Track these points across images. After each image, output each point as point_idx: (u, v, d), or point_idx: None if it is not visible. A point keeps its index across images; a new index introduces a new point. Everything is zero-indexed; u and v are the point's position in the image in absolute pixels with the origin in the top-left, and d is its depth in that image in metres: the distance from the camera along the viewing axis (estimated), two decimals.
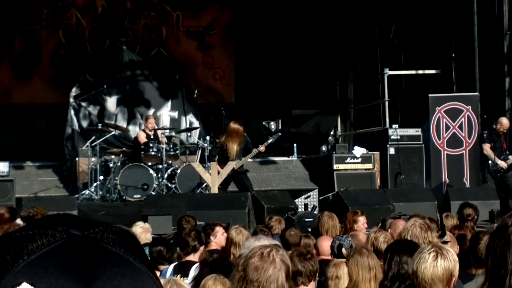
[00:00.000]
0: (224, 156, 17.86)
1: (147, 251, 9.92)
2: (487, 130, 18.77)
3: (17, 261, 1.38)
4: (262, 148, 17.96)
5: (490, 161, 17.93)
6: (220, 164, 17.69)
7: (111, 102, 22.58)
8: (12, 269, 1.38)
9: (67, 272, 1.36)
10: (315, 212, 9.07)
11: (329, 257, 8.67)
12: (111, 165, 19.12)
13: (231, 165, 17.50)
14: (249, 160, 20.70)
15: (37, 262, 1.38)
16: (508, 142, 18.14)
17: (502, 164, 17.79)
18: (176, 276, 8.59)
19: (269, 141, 18.27)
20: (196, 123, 21.04)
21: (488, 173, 18.06)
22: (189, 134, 20.21)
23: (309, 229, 8.92)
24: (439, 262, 5.27)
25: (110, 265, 1.40)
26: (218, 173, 17.38)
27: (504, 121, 18.12)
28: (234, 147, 17.83)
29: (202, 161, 18.88)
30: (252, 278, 4.99)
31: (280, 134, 18.80)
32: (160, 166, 18.80)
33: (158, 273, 9.02)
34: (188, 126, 21.56)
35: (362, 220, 11.11)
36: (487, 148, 18.08)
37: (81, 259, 1.38)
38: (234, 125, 18.47)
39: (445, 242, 7.97)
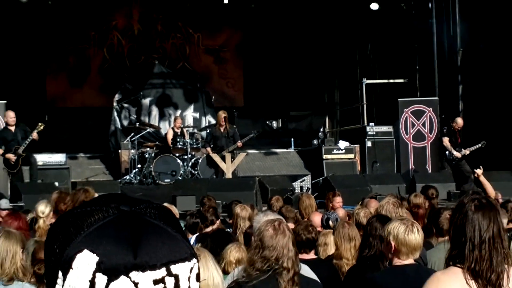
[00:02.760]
0: (218, 142, 17.85)
1: (182, 224, 9.98)
2: (447, 126, 18.75)
3: (79, 232, 1.40)
4: (239, 143, 17.84)
5: (447, 152, 17.93)
6: (214, 149, 17.79)
7: (146, 105, 22.60)
8: (75, 239, 1.39)
9: (118, 240, 1.38)
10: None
11: (320, 229, 8.71)
12: (146, 156, 19.06)
13: (241, 156, 17.54)
14: (254, 151, 20.78)
15: (95, 233, 1.39)
16: (463, 137, 18.08)
17: (457, 154, 17.74)
18: (197, 245, 8.64)
19: (246, 138, 18.05)
20: (213, 122, 21.02)
21: (446, 161, 18.07)
22: (207, 131, 20.17)
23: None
24: (411, 233, 5.14)
25: (152, 234, 1.40)
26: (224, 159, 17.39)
27: (459, 120, 18.08)
28: (222, 133, 17.81)
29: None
30: (269, 244, 5.04)
31: (256, 133, 18.52)
32: (186, 157, 18.73)
33: None
34: (207, 124, 21.58)
35: (337, 200, 11.11)
36: (446, 141, 18.02)
37: (129, 230, 1.39)
38: (220, 112, 18.49)
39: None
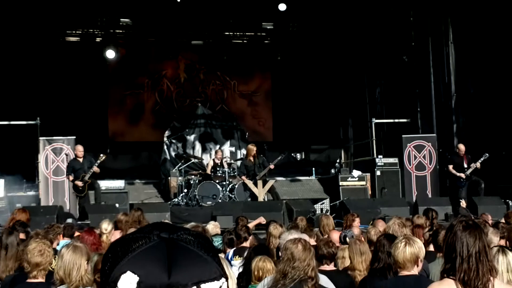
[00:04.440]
0: (250, 171, 17.81)
1: (219, 239, 10.02)
2: (450, 155, 18.66)
3: (125, 256, 1.43)
4: (272, 166, 17.67)
5: (459, 180, 17.72)
6: (248, 177, 17.69)
7: (190, 140, 22.71)
8: (121, 262, 1.43)
9: (156, 263, 1.40)
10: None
11: (338, 244, 8.72)
12: (191, 182, 19.02)
13: (270, 182, 17.54)
14: (281, 178, 20.75)
15: (137, 257, 1.42)
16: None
17: (461, 175, 17.62)
18: (235, 257, 8.67)
19: (276, 161, 17.85)
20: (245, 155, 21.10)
21: (458, 184, 17.66)
22: (241, 162, 20.20)
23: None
24: (407, 248, 5.24)
25: (186, 257, 1.42)
26: (256, 185, 17.37)
27: (461, 146, 17.83)
28: (253, 163, 17.79)
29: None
30: (300, 257, 5.14)
31: (283, 155, 18.39)
32: (224, 183, 18.73)
33: (223, 255, 9.11)
34: (242, 156, 21.64)
35: (357, 220, 11.10)
36: (450, 168, 17.87)
37: (166, 254, 1.41)
38: (250, 146, 18.50)
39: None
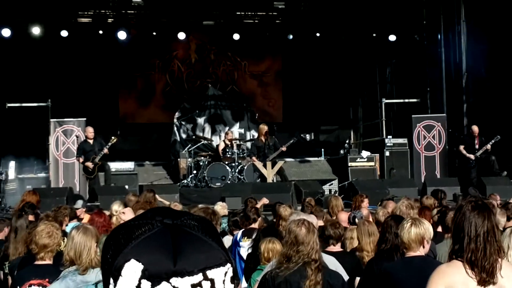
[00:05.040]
0: (260, 151, 17.73)
1: (225, 221, 10.02)
2: (463, 135, 18.62)
3: (128, 243, 1.39)
4: (284, 148, 17.59)
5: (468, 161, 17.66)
6: (258, 158, 17.59)
7: (201, 121, 22.72)
8: (124, 249, 1.39)
9: (160, 250, 1.37)
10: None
11: (347, 225, 8.72)
12: (201, 163, 19.02)
13: (279, 164, 17.50)
14: (290, 159, 20.73)
15: (141, 244, 1.38)
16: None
17: (470, 156, 17.57)
18: (243, 238, 8.66)
19: (288, 144, 17.72)
20: (256, 136, 21.04)
21: (469, 165, 17.71)
22: (251, 143, 20.20)
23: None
24: (412, 229, 5.23)
25: (191, 244, 1.39)
26: (265, 166, 17.32)
27: (475, 128, 17.80)
28: (264, 143, 17.71)
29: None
30: (304, 241, 5.14)
31: (295, 139, 18.20)
32: (233, 164, 18.71)
33: (231, 237, 9.10)
34: (251, 137, 21.64)
35: (365, 201, 11.06)
36: (461, 148, 17.86)
37: (171, 241, 1.38)
38: (261, 125, 18.41)
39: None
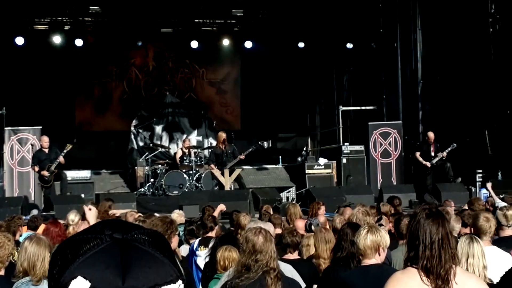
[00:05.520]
0: (219, 159, 17.59)
1: (182, 229, 9.92)
2: (419, 142, 18.77)
3: (75, 259, 1.34)
4: (242, 156, 17.40)
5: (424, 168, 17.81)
6: (217, 166, 17.41)
7: (158, 129, 22.61)
8: (71, 266, 1.34)
9: (109, 267, 1.32)
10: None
11: (303, 232, 8.70)
12: (158, 171, 18.98)
13: (237, 171, 17.45)
14: (248, 167, 20.70)
15: (88, 260, 1.33)
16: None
17: (426, 163, 17.70)
18: (200, 247, 8.58)
19: (247, 152, 17.56)
20: (214, 143, 21.02)
21: (422, 170, 17.81)
22: (210, 150, 20.15)
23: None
24: (368, 236, 5.24)
25: (140, 260, 1.35)
26: (223, 174, 17.23)
27: (430, 134, 17.92)
28: (223, 150, 17.65)
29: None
30: (261, 249, 5.10)
31: (254, 148, 17.97)
32: (191, 172, 18.68)
33: (188, 246, 9.01)
34: (209, 145, 21.58)
35: (322, 208, 11.06)
36: (417, 155, 17.95)
37: (119, 256, 1.34)
38: (220, 133, 18.31)
39: (380, 225, 7.99)
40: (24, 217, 11.06)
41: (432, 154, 17.73)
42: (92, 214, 5.78)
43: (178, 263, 1.44)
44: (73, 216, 9.55)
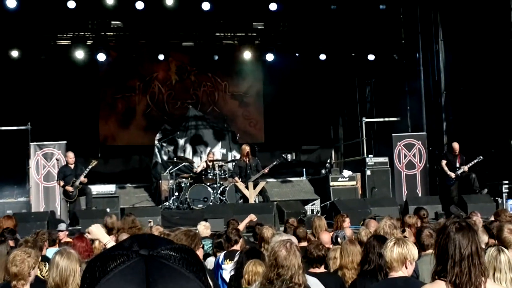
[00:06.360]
0: (243, 172, 17.65)
1: (209, 242, 9.93)
2: (444, 152, 18.67)
3: (102, 276, 1.36)
4: (266, 170, 17.47)
5: (448, 178, 17.69)
6: (240, 179, 17.47)
7: (182, 143, 22.66)
8: (99, 283, 1.36)
9: (134, 283, 1.34)
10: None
11: (330, 245, 8.68)
12: (182, 185, 19.01)
13: (261, 184, 17.45)
14: (272, 180, 20.67)
15: (115, 278, 1.35)
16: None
17: (451, 174, 17.60)
18: (225, 260, 8.58)
19: (271, 166, 17.62)
20: (238, 156, 21.02)
21: (447, 181, 17.73)
22: (234, 163, 20.16)
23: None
24: (395, 248, 5.22)
25: (166, 277, 1.36)
26: (247, 187, 17.24)
27: (455, 145, 17.89)
28: (246, 163, 17.66)
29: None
30: (283, 264, 5.04)
31: (278, 161, 18.08)
32: (215, 185, 18.68)
33: (214, 258, 9.03)
34: (232, 158, 21.58)
35: (347, 221, 11.07)
36: (443, 164, 17.88)
37: (146, 273, 1.35)
38: (243, 146, 18.35)
39: (404, 237, 7.95)
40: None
41: (458, 165, 17.61)
42: (98, 233, 5.72)
43: (208, 278, 1.43)
44: None
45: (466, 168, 17.36)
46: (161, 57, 23.52)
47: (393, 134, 19.94)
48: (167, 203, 18.94)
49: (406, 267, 5.27)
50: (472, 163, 17.32)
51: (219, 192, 18.55)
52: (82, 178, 16.43)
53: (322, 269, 7.12)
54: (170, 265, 1.38)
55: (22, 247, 6.96)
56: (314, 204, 19.48)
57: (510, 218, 10.45)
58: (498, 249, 5.44)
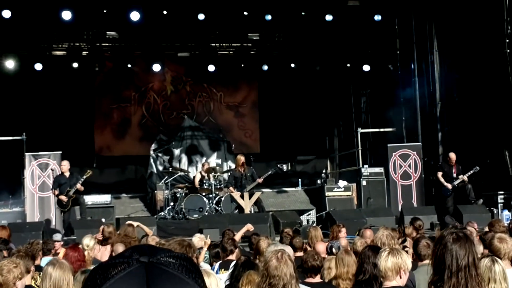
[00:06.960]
0: (238, 182, 17.64)
1: (206, 253, 9.91)
2: (440, 163, 18.66)
3: (104, 283, 1.39)
4: (261, 180, 17.46)
5: (445, 189, 17.67)
6: (236, 189, 17.45)
7: (177, 153, 22.63)
8: None
9: None
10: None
11: (325, 255, 8.66)
12: (178, 195, 18.95)
13: (256, 194, 17.42)
14: (268, 190, 20.64)
15: (116, 283, 1.38)
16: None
17: (447, 185, 17.58)
18: (220, 270, 8.56)
19: (265, 175, 17.60)
20: (233, 166, 20.96)
21: (443, 192, 17.74)
22: (229, 173, 20.11)
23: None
24: (389, 258, 5.20)
25: (166, 282, 1.38)
26: (242, 197, 17.23)
27: (452, 155, 17.87)
28: (241, 173, 17.65)
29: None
30: (274, 274, 5.00)
31: (273, 171, 18.02)
32: (211, 195, 18.62)
33: (210, 267, 9.00)
34: (228, 168, 21.54)
35: (343, 231, 11.06)
36: (439, 175, 17.87)
37: (146, 278, 1.37)
38: (238, 156, 18.34)
39: (404, 247, 7.93)
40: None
41: (454, 175, 17.59)
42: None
43: (206, 285, 1.45)
44: (87, 241, 9.51)
45: (465, 177, 17.32)
46: (156, 67, 23.54)
47: (388, 145, 19.92)
48: (162, 213, 18.89)
49: (400, 277, 5.25)
50: (470, 172, 17.31)
51: (214, 202, 18.51)
52: (78, 186, 16.38)
53: (317, 279, 7.09)
54: (170, 271, 1.40)
55: (13, 256, 6.92)
56: (309, 214, 19.45)
57: (503, 229, 10.45)
58: (492, 260, 5.42)
